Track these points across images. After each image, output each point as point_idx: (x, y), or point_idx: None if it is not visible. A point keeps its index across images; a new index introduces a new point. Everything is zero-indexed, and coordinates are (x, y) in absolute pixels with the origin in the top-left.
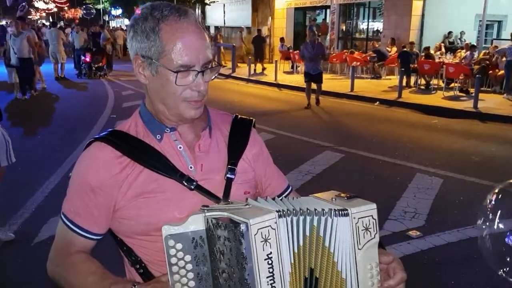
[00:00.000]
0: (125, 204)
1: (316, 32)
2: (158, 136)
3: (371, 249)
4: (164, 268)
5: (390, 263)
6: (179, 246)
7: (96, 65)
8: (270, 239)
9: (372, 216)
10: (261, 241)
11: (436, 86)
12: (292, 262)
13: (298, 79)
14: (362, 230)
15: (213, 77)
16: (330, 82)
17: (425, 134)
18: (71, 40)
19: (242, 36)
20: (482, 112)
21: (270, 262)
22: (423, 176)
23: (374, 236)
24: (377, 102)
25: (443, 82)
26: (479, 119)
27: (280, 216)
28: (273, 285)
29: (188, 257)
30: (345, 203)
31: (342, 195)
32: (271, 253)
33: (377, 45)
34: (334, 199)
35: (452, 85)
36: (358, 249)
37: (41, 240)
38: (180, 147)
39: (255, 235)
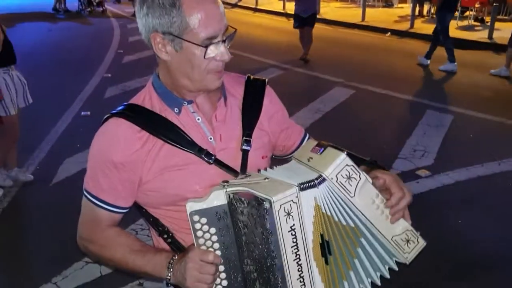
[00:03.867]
0: (152, 178)
1: None
2: (176, 110)
3: (364, 188)
4: (191, 236)
5: (385, 183)
6: (203, 220)
7: (96, 0)
8: (292, 212)
9: (346, 164)
10: (284, 215)
11: None
12: (313, 230)
13: None
14: (345, 181)
15: (231, 42)
16: (340, 11)
17: (436, 67)
18: None
19: None
20: (497, 43)
21: (293, 233)
22: (433, 112)
23: (359, 177)
24: (389, 33)
25: (457, 10)
26: (494, 51)
27: (301, 189)
28: (297, 253)
29: (213, 229)
30: (320, 161)
31: (316, 148)
32: (294, 225)
33: None
34: (310, 159)
35: (467, 13)
36: (352, 197)
37: (58, 181)
38: (198, 119)
39: (278, 210)
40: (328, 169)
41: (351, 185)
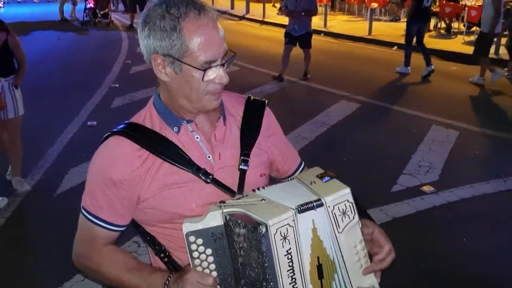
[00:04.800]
0: (150, 196)
1: None
2: (175, 129)
3: (352, 230)
4: (187, 254)
5: (372, 234)
6: (199, 241)
7: (101, 12)
8: (288, 236)
9: (347, 200)
10: (280, 239)
11: (456, 30)
12: (310, 253)
13: (315, 22)
14: (339, 215)
15: (230, 66)
16: (347, 24)
17: (443, 82)
18: None
19: None
20: (503, 59)
21: (289, 257)
22: (439, 128)
23: (353, 217)
24: (395, 47)
25: (464, 26)
26: (500, 66)
27: (300, 211)
28: (293, 277)
29: (209, 250)
30: (322, 188)
31: (320, 176)
32: (290, 248)
33: None
34: (312, 182)
35: (474, 29)
36: (339, 232)
37: (63, 191)
38: (197, 138)
39: (274, 234)
40: (329, 197)
41: (342, 221)
